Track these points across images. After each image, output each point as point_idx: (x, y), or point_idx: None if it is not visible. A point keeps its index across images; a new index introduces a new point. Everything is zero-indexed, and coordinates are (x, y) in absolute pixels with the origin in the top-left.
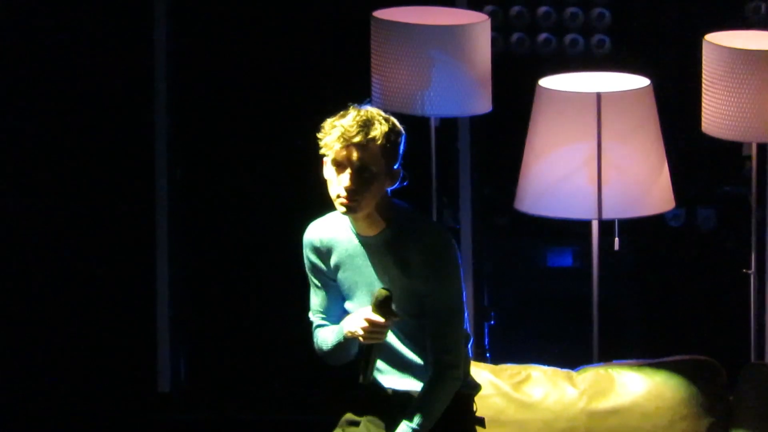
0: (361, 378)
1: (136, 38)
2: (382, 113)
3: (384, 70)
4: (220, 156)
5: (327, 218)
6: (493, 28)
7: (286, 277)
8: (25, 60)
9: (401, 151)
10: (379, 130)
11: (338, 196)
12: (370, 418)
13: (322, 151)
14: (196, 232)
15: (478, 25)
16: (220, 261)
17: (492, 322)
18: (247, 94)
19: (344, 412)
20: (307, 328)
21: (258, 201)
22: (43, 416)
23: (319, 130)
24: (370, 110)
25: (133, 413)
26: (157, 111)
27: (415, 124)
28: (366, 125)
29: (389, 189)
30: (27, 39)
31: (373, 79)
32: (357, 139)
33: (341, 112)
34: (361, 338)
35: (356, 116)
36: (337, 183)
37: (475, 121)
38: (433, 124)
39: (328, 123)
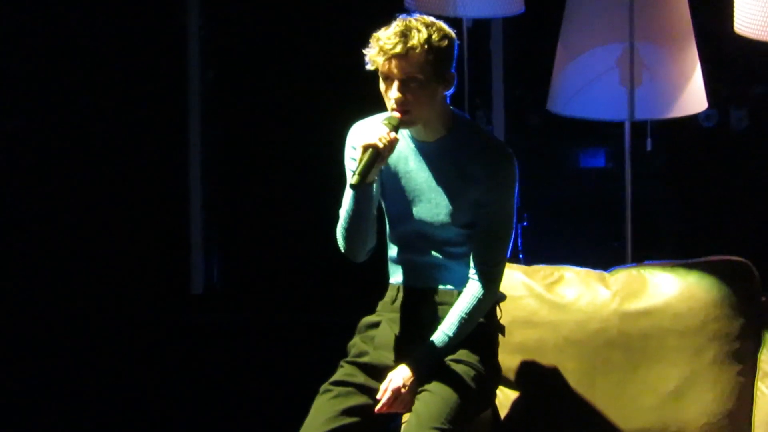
0: (355, 179)
1: None
2: (428, 19)
3: None
4: (254, 56)
5: (377, 118)
6: None
7: (319, 179)
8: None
9: (455, 54)
10: (416, 39)
11: (392, 109)
12: (391, 316)
13: (368, 66)
14: (229, 132)
15: None
16: (252, 162)
17: (525, 223)
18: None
19: (359, 318)
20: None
21: (292, 104)
22: (75, 318)
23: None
24: (414, 18)
25: (166, 314)
26: (190, 11)
27: (447, 25)
28: (404, 35)
29: (447, 93)
30: None
31: None
32: (396, 50)
33: (386, 25)
34: (378, 142)
35: (395, 28)
36: (388, 96)
37: (508, 21)
38: (465, 25)
39: (372, 37)
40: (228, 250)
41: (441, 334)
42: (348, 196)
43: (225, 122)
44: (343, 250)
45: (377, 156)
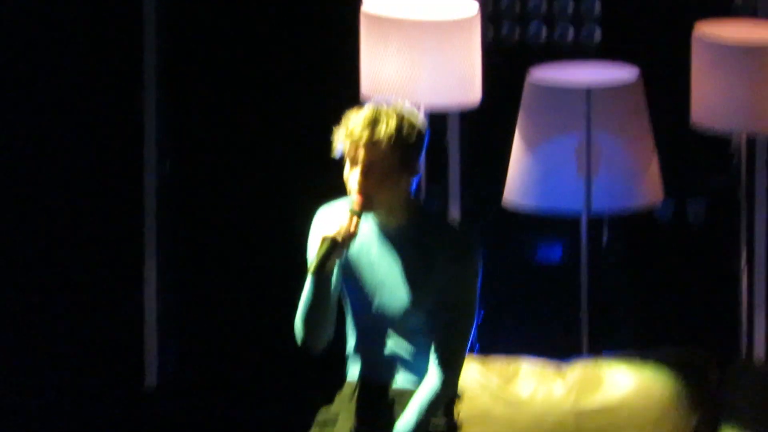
0: (313, 267)
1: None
2: (401, 107)
3: (372, 63)
4: (209, 148)
5: (343, 202)
6: (484, 19)
7: (275, 271)
8: (10, 55)
9: (424, 145)
10: (385, 128)
11: (353, 192)
12: (349, 412)
13: (335, 150)
14: (184, 224)
15: (469, 19)
16: (208, 254)
17: (481, 312)
18: (238, 85)
19: (317, 410)
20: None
21: (247, 194)
22: (29, 410)
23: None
24: (386, 105)
25: (121, 407)
26: (147, 101)
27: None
28: (373, 123)
29: (415, 182)
30: (12, 34)
31: (363, 73)
32: (363, 137)
33: (359, 108)
34: (336, 233)
35: (366, 113)
36: (351, 179)
37: (465, 113)
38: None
39: (342, 120)
40: (183, 341)
41: (399, 429)
42: (307, 284)
43: (181, 212)
44: (300, 340)
45: (336, 246)
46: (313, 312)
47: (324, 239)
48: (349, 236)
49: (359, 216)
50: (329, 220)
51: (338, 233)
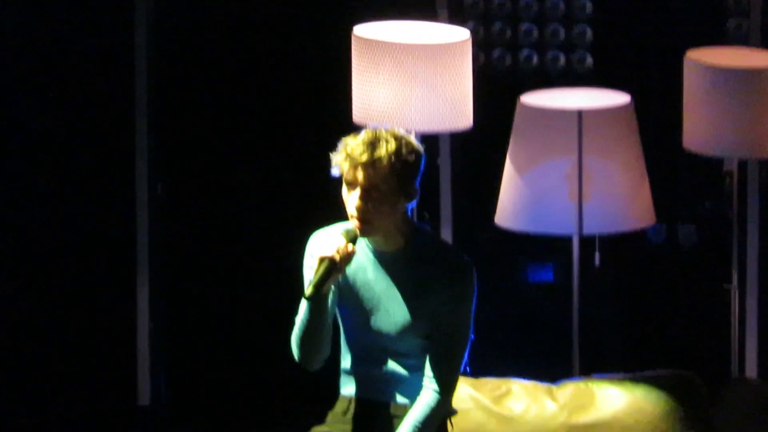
0: (309, 290)
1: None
2: (398, 132)
3: (364, 87)
4: (201, 171)
5: (337, 228)
6: (475, 44)
7: (268, 292)
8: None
9: (420, 169)
10: (384, 149)
11: (352, 216)
12: (343, 428)
13: (333, 171)
14: (177, 241)
15: (460, 43)
16: (201, 273)
17: (472, 337)
18: (229, 112)
19: (308, 428)
20: (288, 344)
21: (239, 216)
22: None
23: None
24: (384, 129)
25: (113, 427)
26: (138, 126)
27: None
28: (372, 145)
29: (409, 206)
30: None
31: (354, 95)
32: (363, 158)
33: (356, 132)
34: (334, 254)
35: (365, 136)
36: (349, 203)
37: (456, 136)
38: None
39: (340, 143)
40: (176, 360)
41: None
42: (303, 305)
43: (174, 230)
44: (296, 359)
45: (333, 268)
46: (309, 332)
47: (322, 260)
48: (347, 257)
49: (355, 240)
50: (325, 243)
51: (336, 253)
